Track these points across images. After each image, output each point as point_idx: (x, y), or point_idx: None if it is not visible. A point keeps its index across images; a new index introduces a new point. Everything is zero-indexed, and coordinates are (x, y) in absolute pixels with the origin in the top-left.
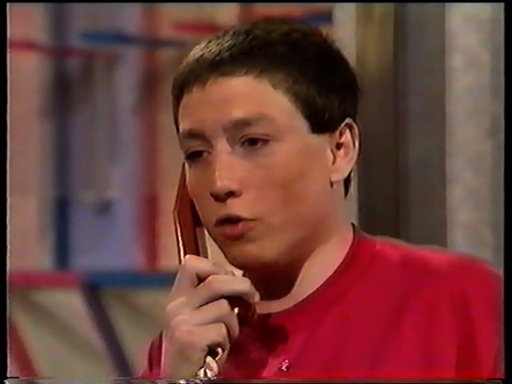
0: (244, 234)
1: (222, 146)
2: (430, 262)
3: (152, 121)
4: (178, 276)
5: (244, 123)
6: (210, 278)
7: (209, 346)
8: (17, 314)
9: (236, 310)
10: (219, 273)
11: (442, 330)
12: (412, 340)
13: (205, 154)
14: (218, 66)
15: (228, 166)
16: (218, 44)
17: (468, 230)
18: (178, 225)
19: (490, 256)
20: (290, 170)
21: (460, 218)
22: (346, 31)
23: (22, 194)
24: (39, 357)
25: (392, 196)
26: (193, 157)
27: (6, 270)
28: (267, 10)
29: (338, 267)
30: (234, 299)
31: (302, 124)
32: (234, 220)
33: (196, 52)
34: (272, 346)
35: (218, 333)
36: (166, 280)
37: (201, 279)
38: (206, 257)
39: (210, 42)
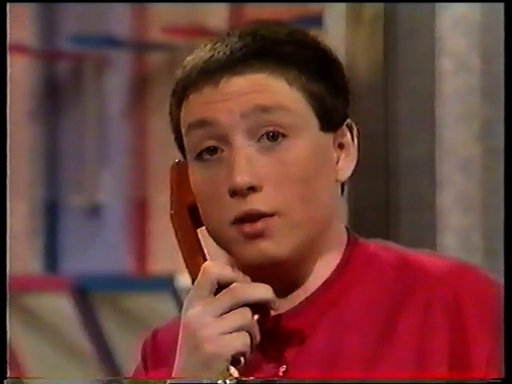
0: (263, 232)
1: (239, 140)
2: (424, 265)
3: (141, 124)
4: (197, 282)
5: (263, 110)
6: (233, 285)
7: (233, 356)
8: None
9: (256, 316)
10: (239, 279)
11: (436, 333)
12: (406, 343)
13: (218, 152)
14: (231, 66)
15: (247, 161)
16: (227, 45)
17: (458, 233)
18: (176, 228)
19: (480, 259)
20: (307, 166)
21: (450, 222)
22: (336, 34)
23: (12, 197)
24: (28, 360)
25: (382, 199)
26: (203, 155)
27: (6, 274)
28: (256, 13)
29: (334, 270)
30: (254, 306)
31: (314, 121)
32: (253, 217)
33: (201, 54)
34: (268, 350)
35: (243, 342)
36: (154, 284)
37: (220, 286)
38: (206, 259)
39: (215, 43)
